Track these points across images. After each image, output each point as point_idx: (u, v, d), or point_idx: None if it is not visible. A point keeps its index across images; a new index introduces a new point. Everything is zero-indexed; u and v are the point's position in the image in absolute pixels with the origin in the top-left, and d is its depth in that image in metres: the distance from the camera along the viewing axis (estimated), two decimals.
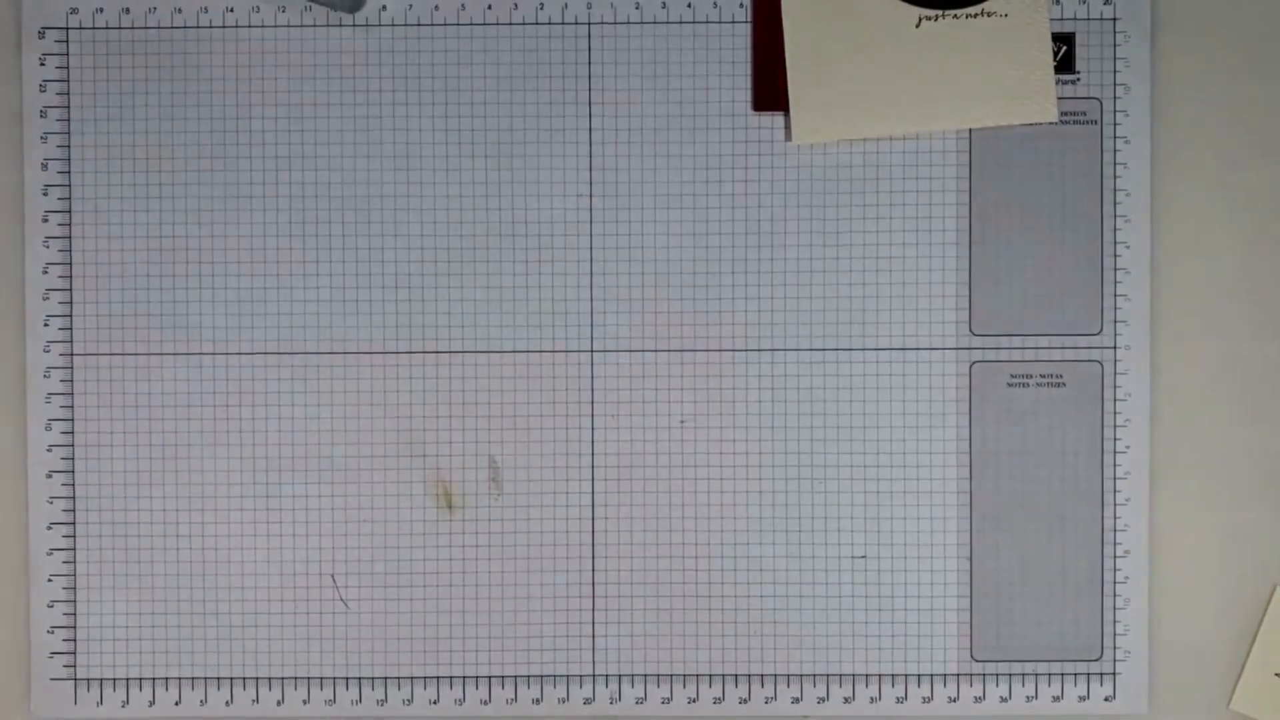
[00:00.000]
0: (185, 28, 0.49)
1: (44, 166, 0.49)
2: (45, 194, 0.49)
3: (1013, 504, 0.50)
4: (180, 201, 0.50)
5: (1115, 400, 0.50)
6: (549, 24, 0.50)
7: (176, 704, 0.50)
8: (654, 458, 0.50)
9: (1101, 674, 0.50)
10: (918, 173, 0.50)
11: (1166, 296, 0.50)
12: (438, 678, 0.50)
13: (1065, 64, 0.50)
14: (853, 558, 0.50)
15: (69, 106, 0.50)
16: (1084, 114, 0.50)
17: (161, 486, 0.50)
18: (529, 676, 0.50)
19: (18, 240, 0.50)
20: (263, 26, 0.50)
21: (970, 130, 0.50)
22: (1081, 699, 0.50)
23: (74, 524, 0.50)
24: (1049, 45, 0.49)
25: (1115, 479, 0.50)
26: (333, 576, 0.49)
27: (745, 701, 0.50)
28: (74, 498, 0.50)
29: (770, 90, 0.50)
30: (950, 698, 0.50)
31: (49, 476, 0.49)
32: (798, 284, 0.50)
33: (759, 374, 0.50)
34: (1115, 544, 0.50)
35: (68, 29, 0.49)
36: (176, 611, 0.50)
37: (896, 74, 0.49)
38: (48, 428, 0.49)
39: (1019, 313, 0.50)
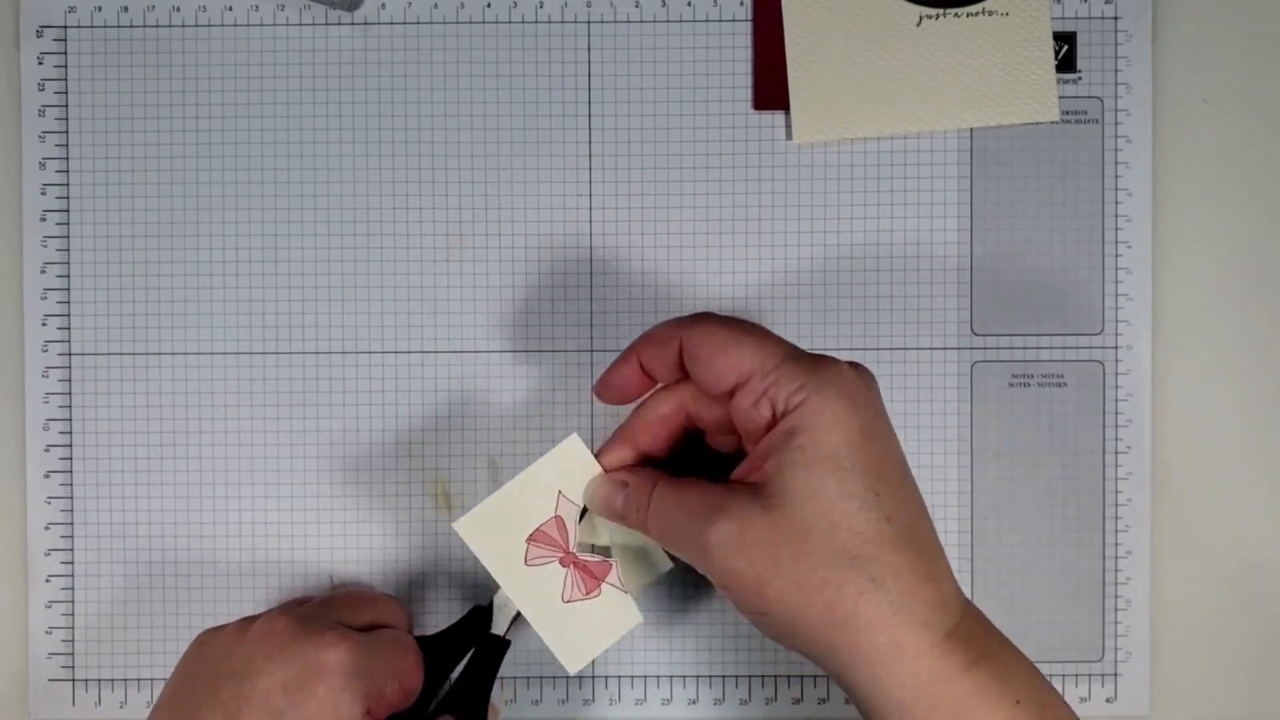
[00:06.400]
0: (184, 26, 0.49)
1: (42, 166, 0.49)
2: (43, 193, 0.49)
3: (1013, 504, 0.50)
4: (178, 201, 0.49)
5: (1117, 400, 0.50)
6: (548, 22, 0.49)
7: None
8: None
9: (1103, 675, 0.50)
10: (918, 173, 0.50)
11: (1168, 296, 0.50)
12: None
13: (1066, 63, 0.49)
14: None
15: (67, 105, 0.49)
16: (1085, 113, 0.50)
17: (160, 486, 0.49)
18: (529, 677, 0.50)
19: (16, 239, 0.50)
20: (261, 25, 0.49)
21: (971, 130, 0.50)
22: (1083, 700, 0.50)
23: (72, 524, 0.49)
24: (1050, 44, 0.49)
25: (1117, 479, 0.50)
26: (330, 577, 0.49)
27: (745, 702, 0.50)
28: (72, 498, 0.49)
29: (770, 90, 0.49)
30: None
31: (47, 476, 0.49)
32: (798, 283, 0.50)
33: None
34: (1117, 544, 0.50)
35: (66, 28, 0.49)
36: (175, 612, 0.50)
37: (897, 74, 0.49)
38: (45, 428, 0.49)
39: (1020, 312, 0.50)
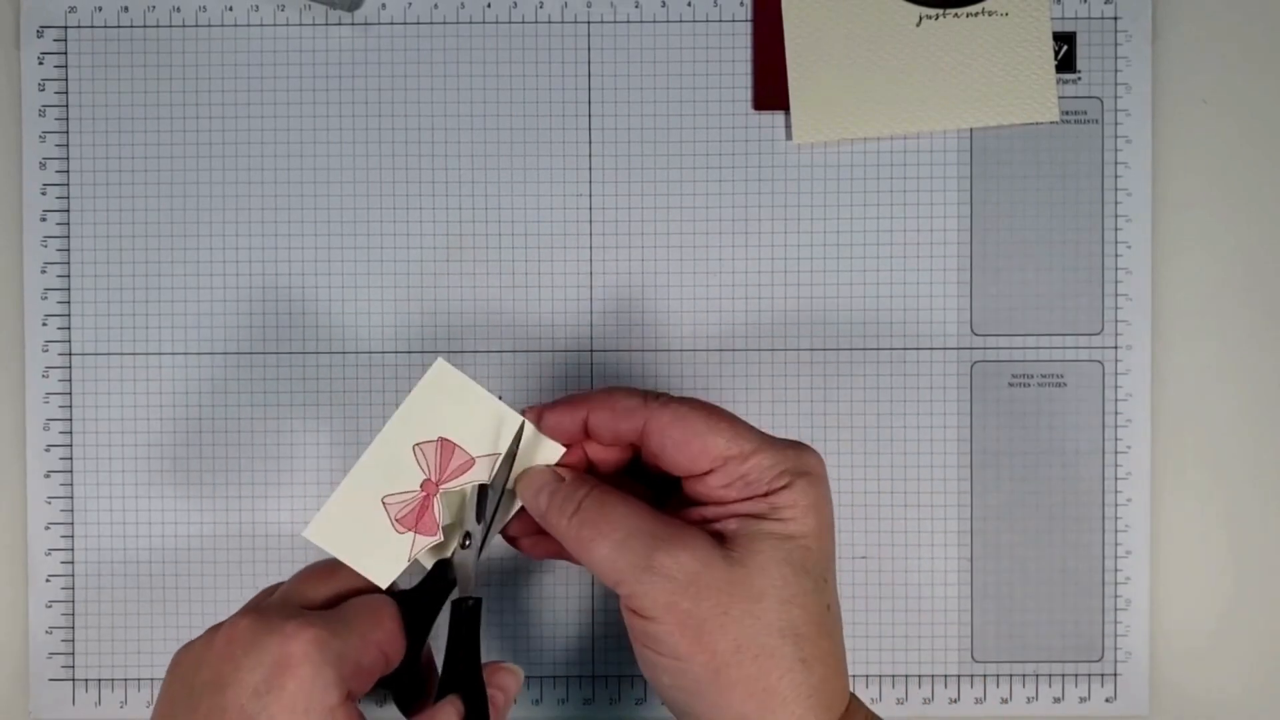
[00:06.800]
0: (184, 26, 0.49)
1: (42, 166, 0.49)
2: (44, 193, 0.49)
3: (1013, 504, 0.50)
4: (178, 201, 0.49)
5: (1116, 400, 0.50)
6: (548, 23, 0.49)
7: None
8: None
9: (1102, 675, 0.50)
10: (918, 173, 0.50)
11: (1167, 296, 0.50)
12: None
13: (1066, 63, 0.49)
14: (854, 558, 0.50)
15: (67, 106, 0.49)
16: (1085, 113, 0.50)
17: (159, 486, 0.49)
18: (529, 676, 0.50)
19: (16, 240, 0.50)
20: (261, 25, 0.49)
21: (970, 130, 0.50)
22: (1082, 700, 0.50)
23: (72, 524, 0.49)
24: (1050, 44, 0.49)
25: (1116, 479, 0.50)
26: None
27: None
28: (72, 498, 0.49)
29: (770, 90, 0.49)
30: (951, 699, 0.50)
31: (47, 476, 0.49)
32: (797, 284, 0.50)
33: (758, 374, 0.50)
34: (1116, 544, 0.50)
35: (66, 28, 0.49)
36: (175, 612, 0.50)
37: (896, 74, 0.49)
38: (46, 428, 0.49)
39: (1020, 313, 0.50)
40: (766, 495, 0.38)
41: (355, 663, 0.38)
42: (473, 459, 0.41)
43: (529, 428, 0.41)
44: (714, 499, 0.38)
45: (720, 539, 0.37)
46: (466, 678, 0.41)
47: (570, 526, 0.39)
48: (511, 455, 0.41)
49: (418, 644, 0.41)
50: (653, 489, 0.42)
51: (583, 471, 0.41)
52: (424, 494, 0.41)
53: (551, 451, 0.41)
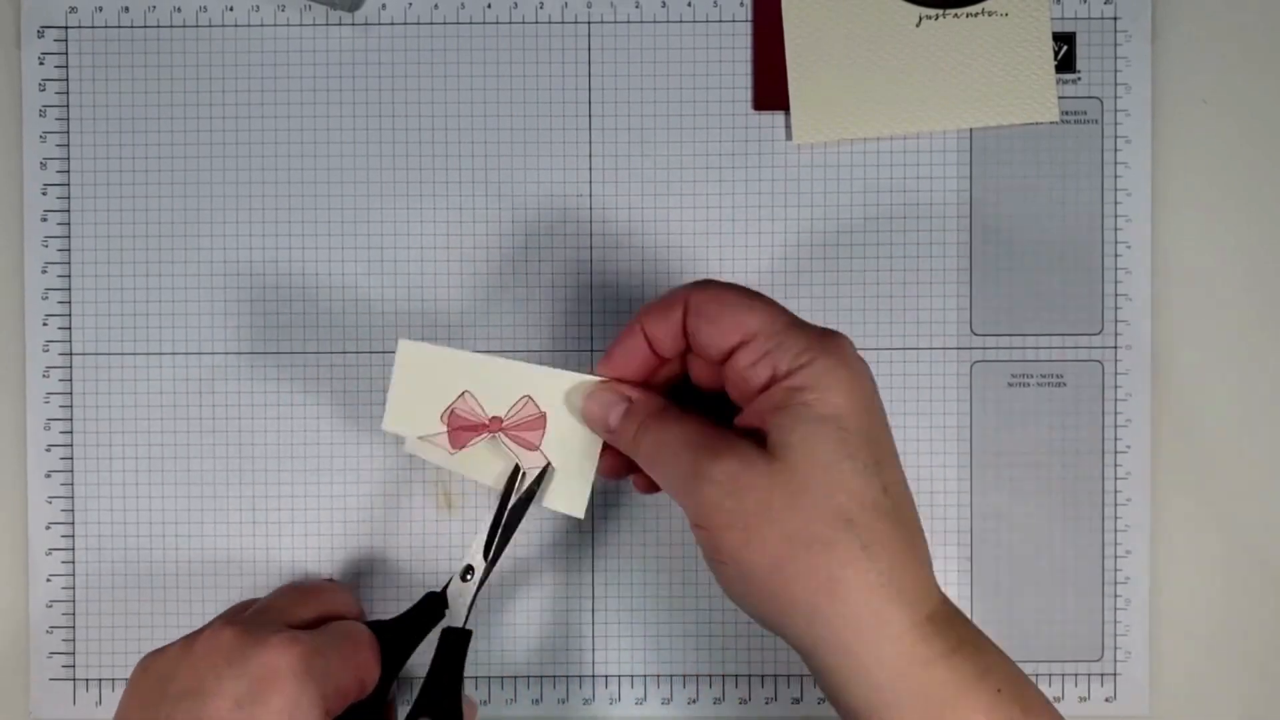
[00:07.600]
0: (185, 27, 0.49)
1: (43, 166, 0.49)
2: (44, 193, 0.49)
3: (1013, 504, 0.50)
4: (179, 201, 0.50)
5: (1116, 400, 0.50)
6: (549, 23, 0.50)
7: None
8: None
9: (1102, 674, 0.50)
10: (918, 173, 0.50)
11: (1167, 296, 0.50)
12: None
13: (1066, 63, 0.50)
14: None
15: (68, 106, 0.49)
16: (1084, 113, 0.50)
17: (160, 486, 0.50)
18: (529, 676, 0.50)
19: (17, 240, 0.50)
20: (262, 26, 0.50)
21: (970, 130, 0.50)
22: (1082, 699, 0.50)
23: (72, 524, 0.49)
24: (1049, 44, 0.49)
25: (1116, 479, 0.50)
26: (331, 578, 0.49)
27: (745, 702, 0.50)
28: (72, 498, 0.49)
29: (770, 90, 0.50)
30: None
31: (48, 476, 0.49)
32: (797, 284, 0.50)
33: None
34: (1116, 544, 0.50)
35: (67, 28, 0.49)
36: (175, 611, 0.50)
37: (896, 74, 0.49)
38: (46, 427, 0.49)
39: (1019, 312, 0.50)
40: (790, 374, 0.37)
41: (336, 684, 0.38)
42: (542, 414, 0.42)
43: (543, 459, 0.42)
44: (747, 386, 0.38)
45: (762, 439, 0.37)
46: (445, 704, 0.41)
47: (635, 443, 0.40)
48: (529, 495, 0.42)
49: (391, 675, 0.41)
50: (708, 411, 0.42)
51: (643, 388, 0.41)
52: (484, 424, 0.42)
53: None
